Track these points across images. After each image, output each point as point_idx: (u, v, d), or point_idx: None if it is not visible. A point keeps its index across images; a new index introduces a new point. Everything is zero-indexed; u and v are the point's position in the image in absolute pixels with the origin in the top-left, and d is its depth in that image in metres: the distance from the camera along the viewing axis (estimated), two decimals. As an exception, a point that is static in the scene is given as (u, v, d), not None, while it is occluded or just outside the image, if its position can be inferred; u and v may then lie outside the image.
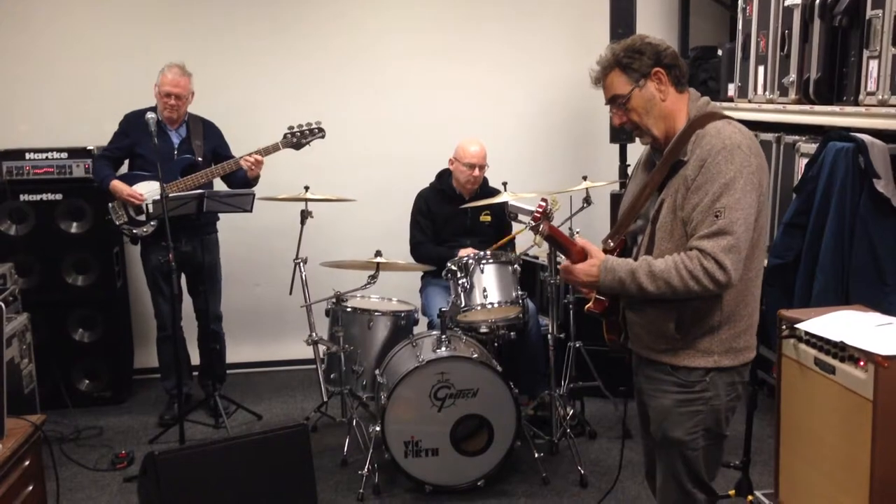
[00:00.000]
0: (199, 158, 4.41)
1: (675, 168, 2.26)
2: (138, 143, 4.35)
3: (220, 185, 4.54)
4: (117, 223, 4.40)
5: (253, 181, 4.40)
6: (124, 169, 4.53)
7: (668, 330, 2.29)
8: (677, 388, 2.32)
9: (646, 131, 2.34)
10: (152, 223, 4.28)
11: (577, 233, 4.08)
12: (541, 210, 2.34)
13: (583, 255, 2.34)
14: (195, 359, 4.80)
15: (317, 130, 4.40)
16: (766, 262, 2.34)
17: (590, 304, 2.45)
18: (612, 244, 2.40)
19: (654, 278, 2.19)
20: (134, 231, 4.39)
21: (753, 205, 2.17)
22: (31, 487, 2.67)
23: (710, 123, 2.25)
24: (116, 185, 4.32)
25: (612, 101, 2.36)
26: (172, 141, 4.45)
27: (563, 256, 2.44)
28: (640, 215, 2.37)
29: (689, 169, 2.21)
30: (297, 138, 4.37)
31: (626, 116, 2.34)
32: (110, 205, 4.39)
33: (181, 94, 4.37)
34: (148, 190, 4.29)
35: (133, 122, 4.37)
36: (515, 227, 4.43)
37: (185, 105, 4.44)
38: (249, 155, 4.31)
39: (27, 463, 2.64)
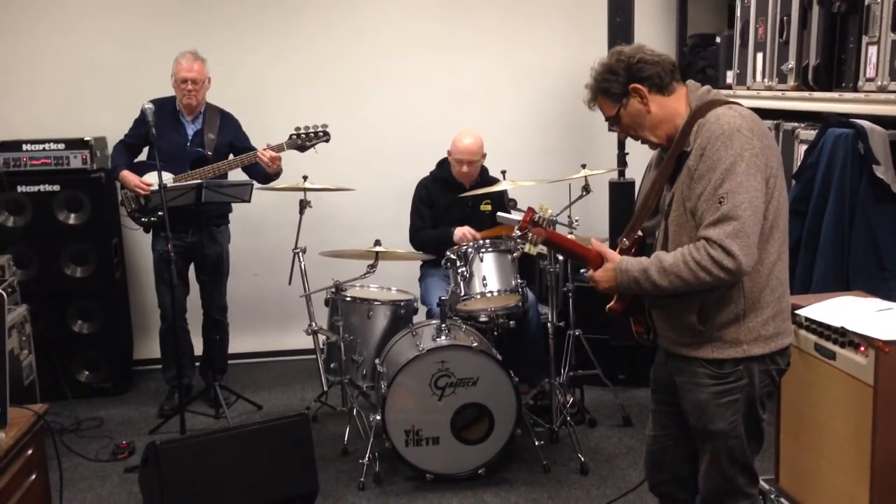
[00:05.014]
0: (209, 152, 4.39)
1: (681, 160, 2.27)
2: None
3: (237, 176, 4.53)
4: (128, 211, 4.43)
5: (274, 176, 4.39)
6: (142, 157, 4.54)
7: (691, 322, 2.27)
8: (712, 381, 2.29)
9: (645, 140, 2.40)
10: (159, 213, 4.28)
11: (577, 221, 4.08)
12: (527, 218, 2.34)
13: (600, 259, 2.34)
14: (199, 349, 4.79)
15: (322, 133, 4.37)
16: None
17: (611, 303, 2.44)
18: (627, 242, 2.39)
19: (665, 273, 2.18)
20: (143, 220, 4.40)
21: (758, 187, 2.15)
22: (34, 476, 2.66)
23: (710, 111, 2.24)
24: (125, 175, 4.35)
25: (607, 120, 2.44)
26: (187, 132, 4.45)
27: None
28: (658, 210, 2.38)
29: (692, 159, 2.22)
30: (303, 140, 4.34)
31: (625, 132, 2.42)
32: (122, 192, 4.44)
33: (197, 79, 4.37)
34: (156, 180, 4.29)
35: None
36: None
37: (203, 91, 4.44)
38: (265, 151, 4.28)
39: (30, 452, 2.63)
